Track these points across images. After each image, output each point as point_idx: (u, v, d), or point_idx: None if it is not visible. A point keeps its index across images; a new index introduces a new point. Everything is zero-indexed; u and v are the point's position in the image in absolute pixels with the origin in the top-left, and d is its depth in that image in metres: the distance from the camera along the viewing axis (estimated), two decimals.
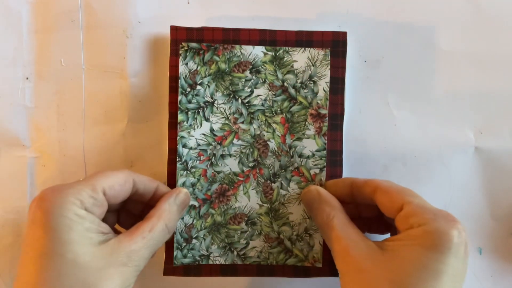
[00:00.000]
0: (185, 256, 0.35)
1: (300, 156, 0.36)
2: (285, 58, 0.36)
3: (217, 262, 0.36)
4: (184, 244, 0.35)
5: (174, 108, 0.36)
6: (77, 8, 0.38)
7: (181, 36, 0.36)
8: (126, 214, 0.34)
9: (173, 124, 0.36)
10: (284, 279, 0.38)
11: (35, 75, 0.39)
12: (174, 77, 0.36)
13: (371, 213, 0.35)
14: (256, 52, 0.35)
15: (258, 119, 0.36)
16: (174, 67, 0.36)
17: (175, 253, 0.35)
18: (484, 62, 0.38)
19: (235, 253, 0.36)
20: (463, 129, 0.39)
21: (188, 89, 0.35)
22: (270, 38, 0.36)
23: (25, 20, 0.38)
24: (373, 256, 0.29)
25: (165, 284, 0.38)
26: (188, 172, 0.35)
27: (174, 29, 0.36)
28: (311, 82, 0.36)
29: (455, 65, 0.38)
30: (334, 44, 0.36)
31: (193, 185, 0.35)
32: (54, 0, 0.38)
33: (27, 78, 0.39)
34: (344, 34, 0.36)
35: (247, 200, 0.36)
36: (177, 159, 0.35)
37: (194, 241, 0.35)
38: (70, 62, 0.38)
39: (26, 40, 0.38)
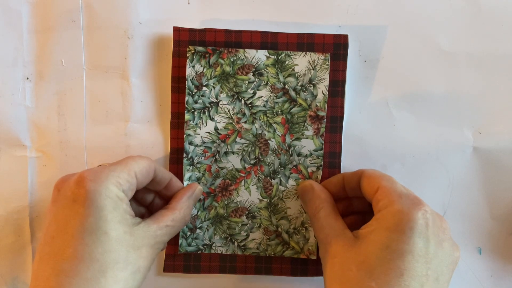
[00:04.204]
0: (189, 245, 0.38)
1: (299, 155, 0.38)
2: (287, 62, 0.37)
3: (219, 252, 0.38)
4: (189, 233, 0.38)
5: (176, 108, 0.38)
6: (78, 8, 0.38)
7: (184, 37, 0.37)
8: (135, 202, 0.36)
9: (175, 124, 0.38)
10: (282, 279, 0.39)
11: (36, 75, 0.39)
12: (176, 78, 0.38)
13: (363, 206, 0.36)
14: (259, 56, 0.37)
15: (260, 119, 0.38)
16: (176, 68, 0.38)
17: (180, 241, 0.38)
18: (484, 62, 0.38)
19: (236, 244, 0.38)
20: (462, 129, 0.39)
21: (195, 90, 0.38)
22: (272, 40, 0.37)
23: (26, 20, 0.38)
24: (347, 243, 0.31)
25: (164, 284, 0.40)
26: (194, 167, 0.38)
27: (177, 30, 0.37)
28: (311, 85, 0.37)
29: (455, 65, 0.38)
30: (335, 47, 0.37)
31: (198, 179, 0.38)
32: (54, 0, 0.38)
33: (27, 78, 0.38)
34: (345, 37, 0.37)
35: (248, 195, 0.38)
36: (184, 155, 0.38)
37: (198, 231, 0.38)
38: (70, 62, 0.38)
39: (26, 40, 0.38)
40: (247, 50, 0.37)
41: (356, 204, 0.37)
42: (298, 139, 0.38)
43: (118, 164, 0.31)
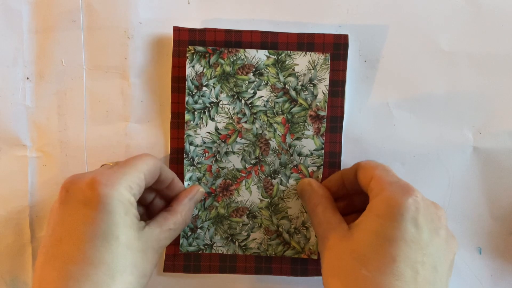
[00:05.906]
0: (190, 245, 0.38)
1: (299, 154, 0.38)
2: (287, 62, 0.37)
3: (220, 252, 0.38)
4: (189, 233, 0.38)
5: (176, 108, 0.38)
6: (78, 8, 0.38)
7: (184, 37, 0.37)
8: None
9: (175, 124, 0.38)
10: (282, 279, 0.40)
11: (36, 75, 0.39)
12: (176, 78, 0.38)
13: (364, 204, 0.36)
14: (259, 56, 0.37)
15: (260, 119, 0.38)
16: (176, 68, 0.38)
17: (181, 241, 0.38)
18: (484, 62, 0.38)
19: (237, 244, 0.38)
20: (462, 129, 0.39)
21: (195, 90, 0.38)
22: (272, 40, 0.38)
23: (26, 20, 0.38)
24: (343, 235, 0.31)
25: (164, 284, 0.40)
26: (195, 167, 0.38)
27: (177, 30, 0.37)
28: (311, 85, 0.37)
29: (455, 65, 0.38)
30: (335, 47, 0.37)
31: (199, 179, 0.38)
32: (54, 0, 0.38)
33: (27, 78, 0.38)
34: (345, 37, 0.37)
35: (249, 194, 0.38)
36: (184, 156, 0.38)
37: (199, 231, 0.38)
38: (71, 62, 0.38)
39: (26, 40, 0.38)
40: (247, 50, 0.37)
41: (357, 202, 0.37)
42: (298, 138, 0.38)
43: (128, 167, 0.31)
